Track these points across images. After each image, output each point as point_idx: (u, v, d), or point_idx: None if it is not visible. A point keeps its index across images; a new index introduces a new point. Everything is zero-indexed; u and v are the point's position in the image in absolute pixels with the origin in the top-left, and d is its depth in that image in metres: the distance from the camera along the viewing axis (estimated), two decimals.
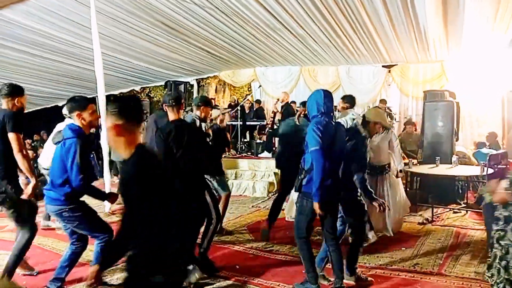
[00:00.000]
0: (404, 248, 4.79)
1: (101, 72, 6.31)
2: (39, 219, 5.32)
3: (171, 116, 3.82)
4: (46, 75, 9.54)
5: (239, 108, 10.05)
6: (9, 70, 8.82)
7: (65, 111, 4.87)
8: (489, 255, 2.84)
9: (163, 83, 11.87)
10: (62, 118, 5.13)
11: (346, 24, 6.86)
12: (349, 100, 5.01)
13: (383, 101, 9.46)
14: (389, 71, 10.08)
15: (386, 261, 4.37)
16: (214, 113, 5.45)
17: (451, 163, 6.56)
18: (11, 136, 3.55)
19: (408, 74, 9.94)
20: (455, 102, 7.55)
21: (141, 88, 12.74)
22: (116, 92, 12.74)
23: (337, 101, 10.27)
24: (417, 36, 7.31)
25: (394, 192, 5.34)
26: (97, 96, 6.97)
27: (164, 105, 3.91)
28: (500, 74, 8.64)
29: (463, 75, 9.11)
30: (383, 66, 10.05)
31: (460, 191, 7.13)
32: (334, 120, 3.61)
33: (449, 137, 7.22)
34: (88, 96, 11.34)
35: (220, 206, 5.37)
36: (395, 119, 9.18)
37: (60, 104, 12.36)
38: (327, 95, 3.46)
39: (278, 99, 10.29)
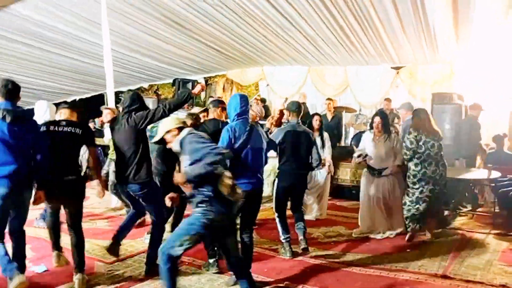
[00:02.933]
0: (408, 250, 4.79)
1: (110, 69, 6.34)
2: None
3: (215, 115, 4.45)
4: (54, 70, 9.57)
5: None
6: (18, 64, 8.87)
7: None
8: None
9: (171, 81, 11.86)
10: None
11: (355, 24, 6.83)
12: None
13: (388, 99, 9.36)
14: (398, 73, 10.02)
15: (391, 262, 4.37)
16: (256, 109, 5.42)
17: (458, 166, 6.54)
18: None
19: (417, 75, 9.85)
20: (463, 105, 7.50)
21: (149, 85, 12.76)
22: (124, 89, 12.76)
23: (345, 103, 10.30)
24: (426, 36, 7.26)
25: (395, 194, 5.36)
26: (105, 92, 6.98)
27: (213, 107, 4.48)
28: (510, 76, 8.56)
29: (473, 78, 9.03)
30: (391, 68, 10.00)
31: (467, 194, 7.09)
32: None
33: (456, 140, 7.17)
34: (97, 93, 11.43)
35: None
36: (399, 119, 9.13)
37: (68, 100, 12.45)
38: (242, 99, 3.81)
39: (286, 98, 10.31)
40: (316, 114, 6.43)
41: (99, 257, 4.45)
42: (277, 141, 4.60)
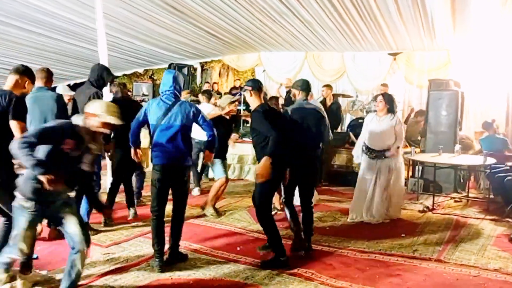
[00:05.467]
0: (403, 235, 4.82)
1: (105, 53, 6.28)
2: None
3: (258, 101, 3.89)
4: (49, 55, 9.46)
5: (242, 93, 10.09)
6: (12, 49, 8.75)
7: None
8: None
9: (166, 66, 11.80)
10: None
11: (352, 10, 6.77)
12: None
13: (384, 85, 9.32)
14: (395, 59, 10.00)
15: (386, 247, 4.40)
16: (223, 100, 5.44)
17: (453, 152, 6.55)
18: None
19: (414, 62, 9.85)
20: (460, 91, 7.50)
21: (144, 70, 12.67)
22: (119, 74, 12.67)
23: (342, 89, 10.30)
24: (424, 23, 7.23)
25: (395, 178, 5.36)
26: None
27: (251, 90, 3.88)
28: (506, 64, 8.56)
29: (469, 65, 9.03)
30: (388, 54, 9.97)
31: (462, 181, 7.15)
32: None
33: (452, 126, 7.19)
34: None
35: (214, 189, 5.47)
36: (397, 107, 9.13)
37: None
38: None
39: (281, 84, 10.27)
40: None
41: (95, 241, 4.45)
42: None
